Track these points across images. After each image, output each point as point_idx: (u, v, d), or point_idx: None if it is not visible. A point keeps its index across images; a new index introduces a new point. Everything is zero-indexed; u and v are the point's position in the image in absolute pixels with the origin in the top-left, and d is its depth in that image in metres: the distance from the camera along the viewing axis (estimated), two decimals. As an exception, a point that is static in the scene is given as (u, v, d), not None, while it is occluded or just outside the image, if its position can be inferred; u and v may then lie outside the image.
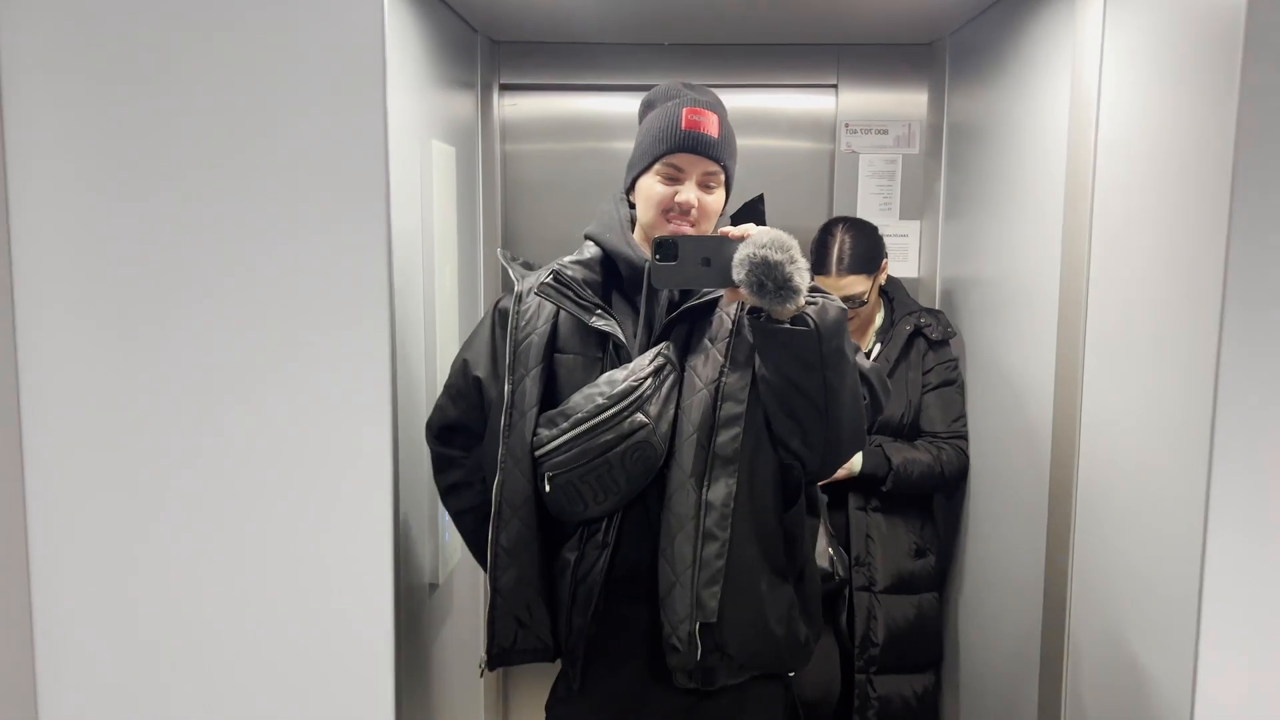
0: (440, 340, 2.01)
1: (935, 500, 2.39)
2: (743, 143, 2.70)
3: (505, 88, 2.63)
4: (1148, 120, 1.43)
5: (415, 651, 1.89)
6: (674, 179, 1.52)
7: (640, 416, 1.46)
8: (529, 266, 1.69)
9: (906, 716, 2.26)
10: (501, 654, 1.60)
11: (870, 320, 2.34)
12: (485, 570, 1.61)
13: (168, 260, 1.16)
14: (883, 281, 2.32)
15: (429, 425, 1.73)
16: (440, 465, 1.73)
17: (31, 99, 1.11)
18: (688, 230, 1.51)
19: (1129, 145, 1.50)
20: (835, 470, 1.61)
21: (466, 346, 1.70)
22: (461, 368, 1.68)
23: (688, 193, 1.51)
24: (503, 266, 1.68)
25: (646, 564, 1.53)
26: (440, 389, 1.73)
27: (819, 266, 2.23)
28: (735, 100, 2.65)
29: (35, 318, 1.15)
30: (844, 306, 1.44)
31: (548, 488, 1.51)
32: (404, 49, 1.86)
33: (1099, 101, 1.59)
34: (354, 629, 1.25)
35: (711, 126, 1.52)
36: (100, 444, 1.19)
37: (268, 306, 1.18)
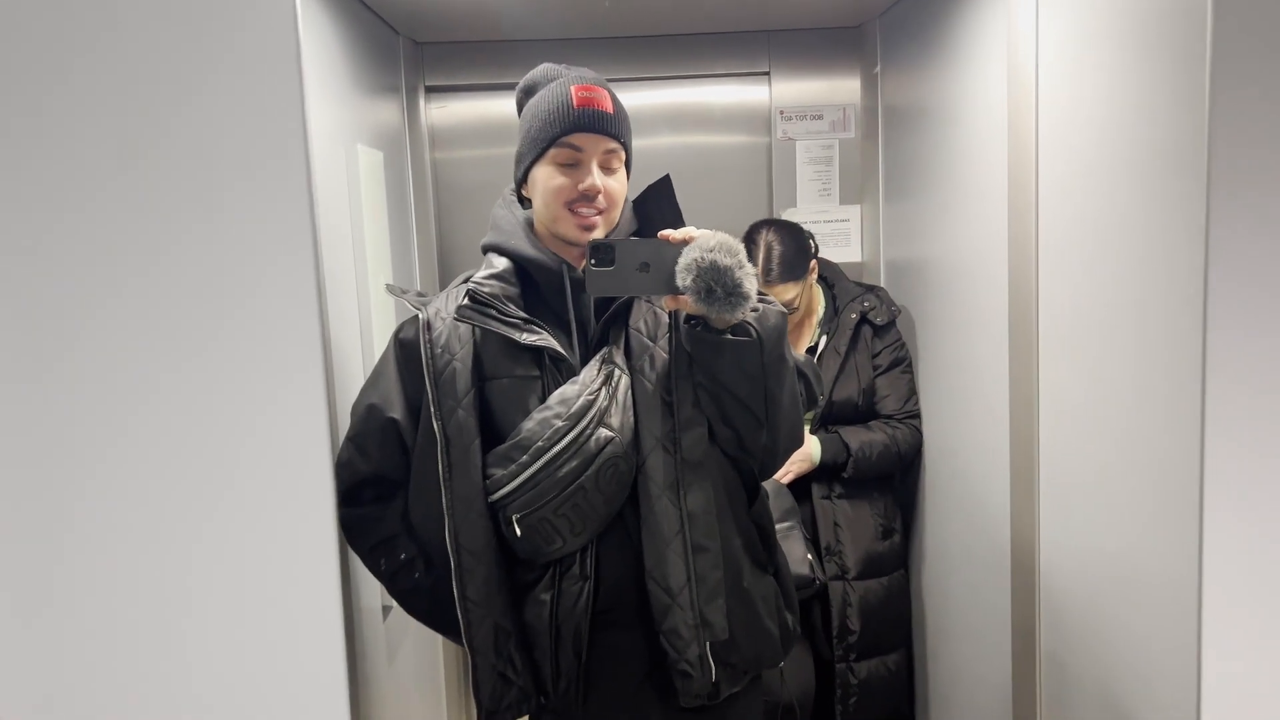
0: (377, 354, 1.93)
1: (893, 479, 2.38)
2: (679, 138, 2.71)
3: (431, 90, 2.55)
4: (1091, 93, 1.42)
5: (367, 681, 1.80)
6: (573, 164, 1.41)
7: (605, 431, 1.36)
8: (422, 295, 1.55)
9: (883, 695, 2.25)
10: (490, 717, 1.46)
11: (811, 312, 2.31)
12: (450, 632, 1.48)
13: (73, 279, 1.08)
14: (813, 282, 2.28)
15: (338, 486, 1.45)
16: (356, 528, 1.49)
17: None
18: (596, 220, 1.41)
19: (1071, 118, 1.48)
20: (774, 471, 1.54)
21: (369, 389, 1.50)
22: (367, 414, 1.47)
23: (592, 177, 1.40)
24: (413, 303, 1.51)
25: (632, 586, 1.43)
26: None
27: None
28: (669, 93, 2.64)
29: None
30: (784, 311, 1.40)
31: (518, 531, 1.38)
32: (321, 52, 1.78)
33: (1037, 75, 1.57)
34: (300, 659, 1.17)
35: (605, 102, 1.41)
36: (15, 465, 1.10)
37: (194, 325, 1.10)
